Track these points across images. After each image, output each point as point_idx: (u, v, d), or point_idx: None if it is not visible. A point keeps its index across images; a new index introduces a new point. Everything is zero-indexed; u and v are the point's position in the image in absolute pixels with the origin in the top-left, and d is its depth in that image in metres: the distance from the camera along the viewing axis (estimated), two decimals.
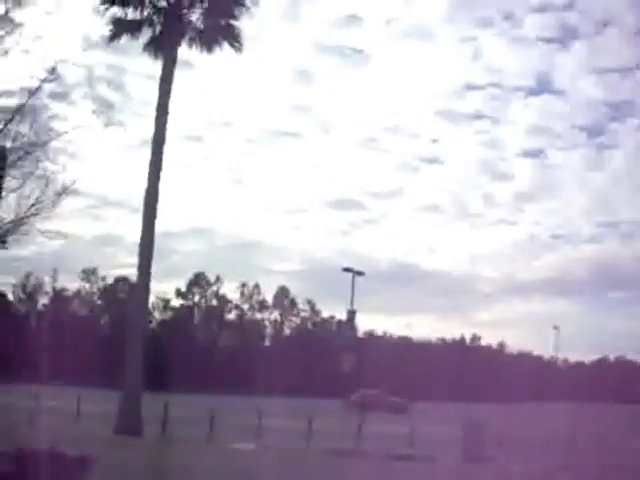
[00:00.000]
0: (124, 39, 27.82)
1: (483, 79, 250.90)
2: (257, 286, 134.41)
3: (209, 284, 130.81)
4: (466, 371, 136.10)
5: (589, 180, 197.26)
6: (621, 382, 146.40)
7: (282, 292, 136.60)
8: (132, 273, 31.04)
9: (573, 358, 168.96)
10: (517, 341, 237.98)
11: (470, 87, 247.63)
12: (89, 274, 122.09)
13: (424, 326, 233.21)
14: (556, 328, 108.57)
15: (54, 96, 24.80)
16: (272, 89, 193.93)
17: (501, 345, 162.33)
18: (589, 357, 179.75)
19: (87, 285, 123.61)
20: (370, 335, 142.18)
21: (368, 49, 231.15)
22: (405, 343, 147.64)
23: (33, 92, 18.24)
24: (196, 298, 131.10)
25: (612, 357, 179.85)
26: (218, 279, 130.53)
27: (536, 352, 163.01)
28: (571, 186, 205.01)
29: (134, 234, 27.65)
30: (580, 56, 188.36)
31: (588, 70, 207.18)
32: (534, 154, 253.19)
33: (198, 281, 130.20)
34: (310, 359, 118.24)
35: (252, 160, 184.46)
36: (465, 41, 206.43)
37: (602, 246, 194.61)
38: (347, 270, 62.73)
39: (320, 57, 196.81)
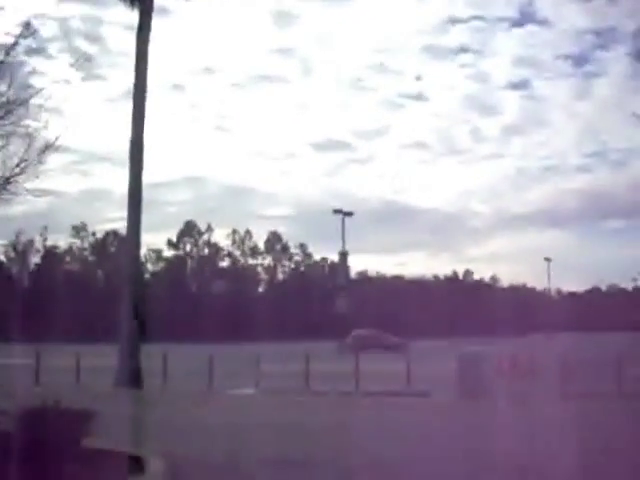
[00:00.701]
0: None
1: (466, 12, 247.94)
2: (248, 232, 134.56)
3: (200, 233, 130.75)
4: (461, 307, 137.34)
5: (576, 110, 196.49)
6: (614, 310, 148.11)
7: (273, 237, 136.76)
8: (122, 227, 30.92)
9: (566, 288, 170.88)
10: (510, 274, 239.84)
11: (453, 21, 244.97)
12: (79, 230, 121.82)
13: (416, 264, 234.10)
14: (548, 259, 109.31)
15: (31, 52, 24.30)
16: (253, 33, 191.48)
17: (494, 279, 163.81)
18: (582, 287, 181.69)
19: (78, 241, 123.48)
20: (363, 275, 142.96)
21: None
22: (398, 282, 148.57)
23: (9, 49, 17.82)
24: (188, 248, 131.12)
25: (604, 286, 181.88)
26: (209, 227, 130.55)
27: (529, 284, 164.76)
28: (559, 117, 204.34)
29: (122, 187, 27.50)
30: None
31: None
32: (520, 86, 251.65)
33: (189, 230, 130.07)
34: (304, 303, 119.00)
35: (237, 106, 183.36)
36: None
37: (592, 176, 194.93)
38: (337, 212, 62.88)
39: None
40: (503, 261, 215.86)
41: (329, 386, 23.11)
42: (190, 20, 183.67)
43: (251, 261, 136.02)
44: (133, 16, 27.13)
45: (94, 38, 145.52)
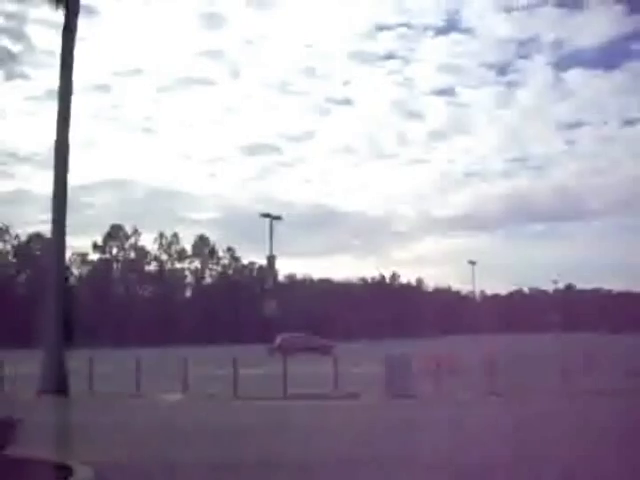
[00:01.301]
0: None
1: (393, 19, 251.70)
2: (175, 236, 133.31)
3: (126, 236, 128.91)
4: (388, 309, 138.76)
5: (499, 117, 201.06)
6: (535, 312, 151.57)
7: (201, 241, 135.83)
8: (46, 229, 30.35)
9: (490, 291, 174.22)
10: (435, 277, 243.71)
11: (380, 27, 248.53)
12: (2, 233, 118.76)
13: (344, 267, 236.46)
14: (472, 263, 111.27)
15: None
16: (181, 35, 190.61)
17: (420, 282, 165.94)
18: (505, 289, 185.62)
19: (0, 244, 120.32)
20: (291, 279, 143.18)
21: None
22: (326, 285, 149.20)
23: None
24: (114, 251, 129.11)
25: (526, 288, 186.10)
26: (135, 231, 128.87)
27: (454, 287, 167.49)
28: (482, 123, 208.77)
29: (46, 189, 27.05)
30: None
31: (496, 8, 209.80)
32: (445, 92, 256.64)
33: (115, 233, 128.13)
34: (233, 306, 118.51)
35: (164, 108, 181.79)
36: None
37: (514, 181, 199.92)
38: (265, 215, 62.82)
39: (229, 1, 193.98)
40: (428, 264, 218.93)
41: (258, 390, 23.11)
42: (118, 21, 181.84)
43: (178, 265, 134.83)
44: (59, 15, 26.68)
45: (18, 36, 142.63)
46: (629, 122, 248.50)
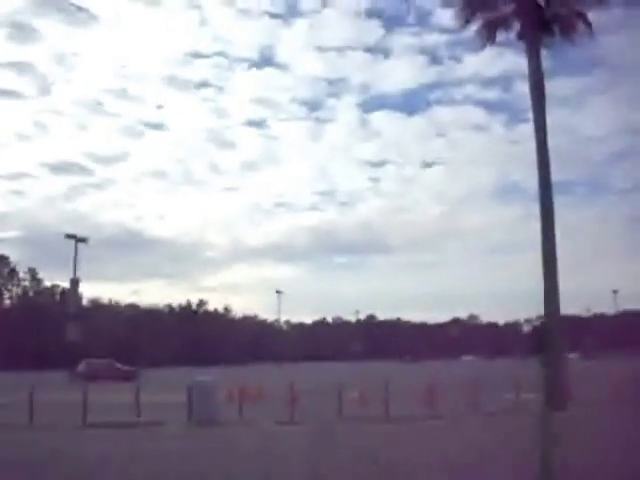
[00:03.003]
0: None
1: (209, 48, 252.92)
2: None
3: None
4: (194, 336, 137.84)
5: (308, 151, 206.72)
6: (338, 340, 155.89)
7: (1, 260, 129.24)
8: None
9: (295, 319, 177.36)
10: (243, 305, 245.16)
11: (196, 55, 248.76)
12: None
13: (153, 293, 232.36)
14: (279, 292, 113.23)
15: None
16: None
17: (227, 309, 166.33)
18: (310, 318, 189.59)
19: None
20: (96, 303, 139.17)
21: (94, 9, 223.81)
22: (133, 310, 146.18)
23: None
24: None
25: (330, 317, 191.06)
26: None
27: (261, 315, 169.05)
28: (292, 156, 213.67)
29: None
30: (302, 33, 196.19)
31: (309, 47, 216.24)
32: (258, 124, 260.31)
33: None
34: (33, 330, 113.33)
35: None
36: (191, 8, 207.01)
37: (321, 214, 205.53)
38: (70, 237, 60.90)
39: (42, 13, 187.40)
40: (237, 292, 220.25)
41: (55, 418, 22.48)
42: None
43: None
44: None
45: None
46: (428, 164, 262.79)
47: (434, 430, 19.13)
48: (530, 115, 20.83)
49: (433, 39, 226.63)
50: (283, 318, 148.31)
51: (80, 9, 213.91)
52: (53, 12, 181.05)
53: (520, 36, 23.19)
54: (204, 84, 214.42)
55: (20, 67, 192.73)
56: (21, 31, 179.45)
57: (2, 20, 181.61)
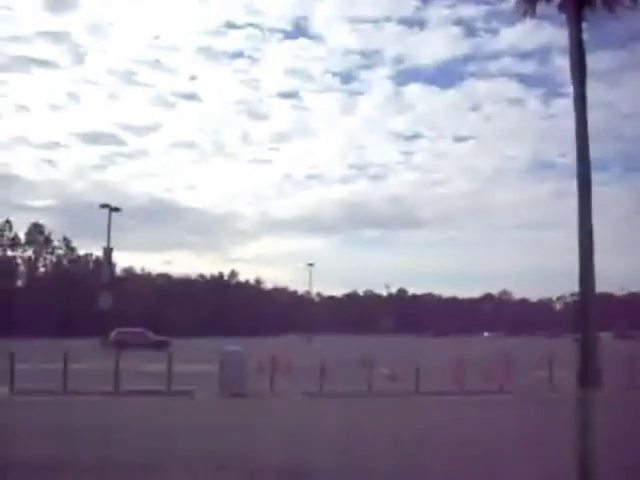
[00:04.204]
0: None
1: (243, 19, 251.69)
2: (8, 222, 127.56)
3: None
4: (225, 306, 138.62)
5: (341, 123, 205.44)
6: (369, 314, 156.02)
7: (35, 229, 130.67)
8: None
9: (326, 292, 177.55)
10: (273, 277, 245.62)
11: (230, 26, 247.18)
12: None
13: (183, 263, 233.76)
14: (310, 264, 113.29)
15: None
16: (23, 13, 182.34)
17: (258, 281, 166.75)
18: (341, 291, 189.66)
19: None
20: (129, 272, 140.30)
21: None
22: (164, 280, 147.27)
23: None
24: None
25: (361, 291, 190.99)
26: None
27: (291, 287, 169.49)
28: (324, 128, 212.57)
29: None
30: (336, 4, 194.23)
31: (343, 18, 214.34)
32: (290, 95, 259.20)
33: None
34: (67, 298, 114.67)
35: (0, 88, 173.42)
36: None
37: (352, 187, 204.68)
38: (104, 206, 61.29)
39: None
40: (267, 263, 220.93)
41: (88, 385, 22.73)
42: None
43: (10, 253, 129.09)
44: None
45: None
46: (461, 139, 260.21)
47: (463, 407, 19.04)
48: (567, 90, 20.35)
49: (469, 11, 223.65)
50: (314, 291, 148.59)
51: None
52: None
53: (561, 7, 22.68)
54: (237, 55, 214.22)
55: (55, 37, 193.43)
56: (57, 0, 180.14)
57: None
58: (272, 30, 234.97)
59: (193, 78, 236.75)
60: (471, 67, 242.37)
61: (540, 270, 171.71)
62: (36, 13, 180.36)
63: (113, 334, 55.59)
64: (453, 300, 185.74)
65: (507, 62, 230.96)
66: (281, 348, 42.82)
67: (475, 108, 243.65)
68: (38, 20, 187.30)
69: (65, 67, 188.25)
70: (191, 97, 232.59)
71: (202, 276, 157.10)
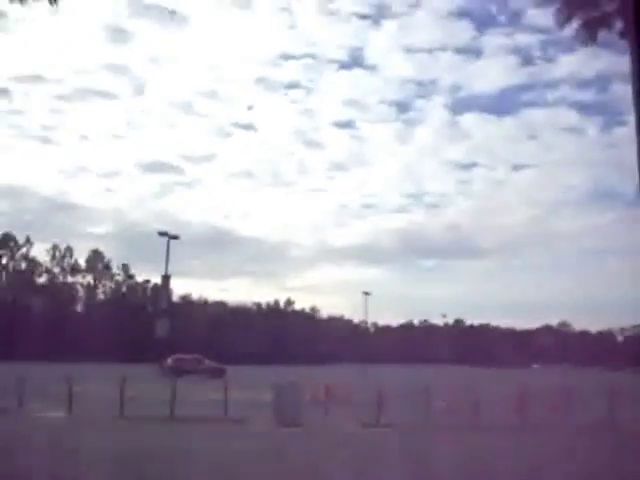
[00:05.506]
0: None
1: (299, 50, 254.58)
2: (69, 249, 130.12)
3: (18, 246, 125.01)
4: (281, 335, 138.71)
5: (397, 152, 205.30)
6: (425, 344, 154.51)
7: (95, 255, 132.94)
8: None
9: (381, 322, 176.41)
10: (328, 305, 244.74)
11: (286, 57, 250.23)
12: None
13: (239, 290, 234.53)
14: (367, 293, 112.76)
15: None
16: (87, 46, 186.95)
17: (314, 309, 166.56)
18: (396, 321, 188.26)
19: None
20: (186, 299, 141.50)
21: (186, 11, 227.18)
22: (221, 307, 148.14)
23: None
24: (4, 260, 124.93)
25: (417, 321, 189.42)
26: (28, 241, 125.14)
27: (347, 316, 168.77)
28: (380, 158, 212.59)
29: None
30: (391, 34, 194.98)
31: (398, 48, 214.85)
32: (346, 125, 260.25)
33: (6, 242, 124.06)
34: (124, 324, 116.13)
35: (64, 118, 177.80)
36: (282, 11, 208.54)
37: (409, 216, 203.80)
38: (162, 234, 61.95)
39: (136, 16, 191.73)
40: (322, 292, 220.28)
41: (144, 411, 22.82)
42: (22, 26, 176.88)
43: (70, 278, 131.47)
44: None
45: None
46: (518, 167, 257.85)
47: (526, 440, 18.56)
48: (627, 118, 19.92)
49: (525, 39, 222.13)
50: (369, 320, 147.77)
51: (173, 12, 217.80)
52: (147, 15, 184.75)
53: (622, 34, 22.27)
54: (294, 85, 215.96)
55: (116, 69, 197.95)
56: (118, 34, 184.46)
57: (101, 24, 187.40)
58: (328, 61, 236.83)
59: (250, 108, 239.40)
60: (528, 95, 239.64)
61: (601, 301, 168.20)
62: (99, 46, 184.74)
63: (169, 360, 55.93)
64: (511, 331, 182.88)
65: (565, 90, 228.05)
66: (337, 378, 42.54)
67: (533, 137, 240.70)
68: (100, 52, 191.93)
69: (125, 98, 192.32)
70: (248, 127, 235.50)
71: (258, 304, 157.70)
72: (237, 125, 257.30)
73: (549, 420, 22.47)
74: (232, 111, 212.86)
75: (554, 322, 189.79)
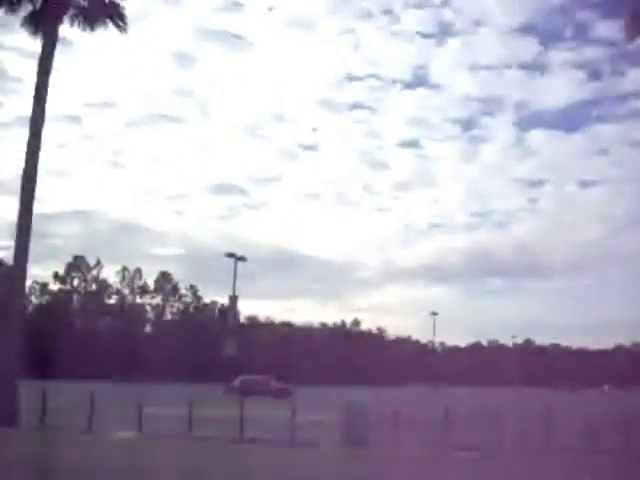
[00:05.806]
0: (0, 12, 26.70)
1: (362, 70, 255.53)
2: (138, 270, 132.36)
3: (89, 268, 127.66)
4: (348, 355, 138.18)
5: (463, 171, 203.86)
6: (494, 365, 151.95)
7: (164, 277, 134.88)
8: (7, 256, 29.91)
9: (448, 341, 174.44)
10: (395, 326, 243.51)
11: (350, 78, 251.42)
12: None
13: (305, 311, 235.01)
14: (434, 313, 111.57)
15: None
16: (154, 72, 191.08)
17: (380, 330, 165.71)
18: (464, 341, 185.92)
19: None
20: (253, 320, 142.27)
21: (250, 36, 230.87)
22: (287, 328, 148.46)
23: None
24: (75, 282, 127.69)
25: (485, 341, 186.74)
26: (98, 263, 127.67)
27: (414, 337, 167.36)
28: (446, 177, 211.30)
29: (10, 215, 26.66)
30: (455, 52, 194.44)
31: (462, 66, 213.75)
32: (411, 145, 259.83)
33: (77, 265, 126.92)
34: (192, 344, 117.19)
35: (133, 143, 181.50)
36: (345, 33, 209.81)
37: (476, 235, 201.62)
38: (230, 255, 62.52)
39: (202, 42, 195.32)
40: (389, 312, 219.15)
41: (213, 431, 22.75)
42: (92, 53, 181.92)
43: (139, 300, 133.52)
44: (33, 43, 26.64)
45: None
46: (588, 183, 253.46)
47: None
48: None
49: (592, 53, 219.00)
50: (437, 340, 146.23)
51: (237, 37, 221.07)
52: (212, 40, 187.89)
53: None
54: (358, 106, 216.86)
55: (182, 93, 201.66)
56: (184, 59, 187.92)
57: (168, 50, 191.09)
58: (392, 80, 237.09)
59: (315, 130, 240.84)
60: (597, 110, 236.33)
61: None
62: (166, 71, 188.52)
63: (237, 381, 56.11)
64: (582, 351, 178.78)
65: (635, 104, 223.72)
66: (404, 399, 41.98)
67: (602, 152, 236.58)
68: (168, 78, 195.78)
69: (192, 121, 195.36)
70: (313, 148, 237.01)
71: (324, 324, 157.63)
72: (302, 146, 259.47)
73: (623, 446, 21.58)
74: (297, 133, 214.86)
75: (628, 342, 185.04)
